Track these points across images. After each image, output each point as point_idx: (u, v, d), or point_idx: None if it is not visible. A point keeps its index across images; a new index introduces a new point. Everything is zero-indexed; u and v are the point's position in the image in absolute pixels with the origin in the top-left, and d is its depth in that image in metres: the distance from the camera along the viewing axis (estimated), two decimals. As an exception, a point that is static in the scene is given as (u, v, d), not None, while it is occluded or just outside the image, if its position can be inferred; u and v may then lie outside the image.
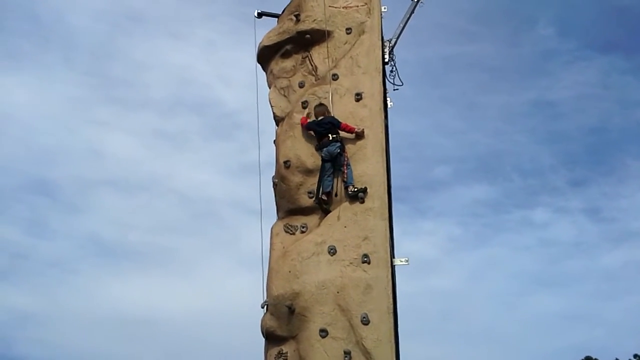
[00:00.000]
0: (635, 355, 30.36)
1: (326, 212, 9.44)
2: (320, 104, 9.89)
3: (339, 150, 9.42)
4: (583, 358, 30.52)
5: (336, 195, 9.38)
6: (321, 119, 9.72)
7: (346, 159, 9.42)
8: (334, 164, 9.47)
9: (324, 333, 8.73)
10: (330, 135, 9.50)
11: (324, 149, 9.50)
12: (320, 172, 9.48)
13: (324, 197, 9.40)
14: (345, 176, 9.33)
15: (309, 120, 9.83)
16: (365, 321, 8.65)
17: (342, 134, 9.58)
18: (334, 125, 9.58)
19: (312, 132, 9.74)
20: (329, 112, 9.80)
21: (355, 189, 9.26)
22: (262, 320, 9.41)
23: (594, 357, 30.28)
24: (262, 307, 9.47)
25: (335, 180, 9.45)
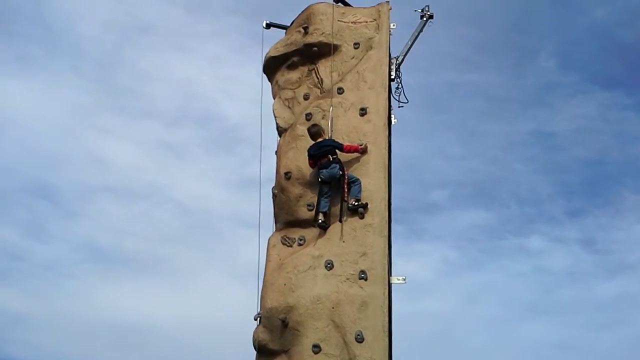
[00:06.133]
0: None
1: (324, 229, 9.29)
2: (314, 125, 9.74)
3: (340, 173, 9.23)
4: (576, 389, 30.26)
5: (340, 220, 9.17)
6: (320, 142, 9.59)
7: (346, 178, 9.24)
8: (333, 185, 9.31)
9: (316, 349, 8.57)
10: (330, 156, 9.36)
11: (324, 170, 9.32)
12: (319, 193, 9.35)
13: (321, 217, 9.26)
14: (346, 196, 9.14)
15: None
16: (360, 339, 8.48)
17: (342, 154, 9.40)
18: (335, 147, 9.44)
19: (310, 161, 9.53)
20: (323, 132, 9.65)
21: (356, 204, 9.15)
22: (254, 333, 9.25)
23: (586, 389, 30.01)
24: (255, 320, 9.33)
25: (332, 201, 9.28)
